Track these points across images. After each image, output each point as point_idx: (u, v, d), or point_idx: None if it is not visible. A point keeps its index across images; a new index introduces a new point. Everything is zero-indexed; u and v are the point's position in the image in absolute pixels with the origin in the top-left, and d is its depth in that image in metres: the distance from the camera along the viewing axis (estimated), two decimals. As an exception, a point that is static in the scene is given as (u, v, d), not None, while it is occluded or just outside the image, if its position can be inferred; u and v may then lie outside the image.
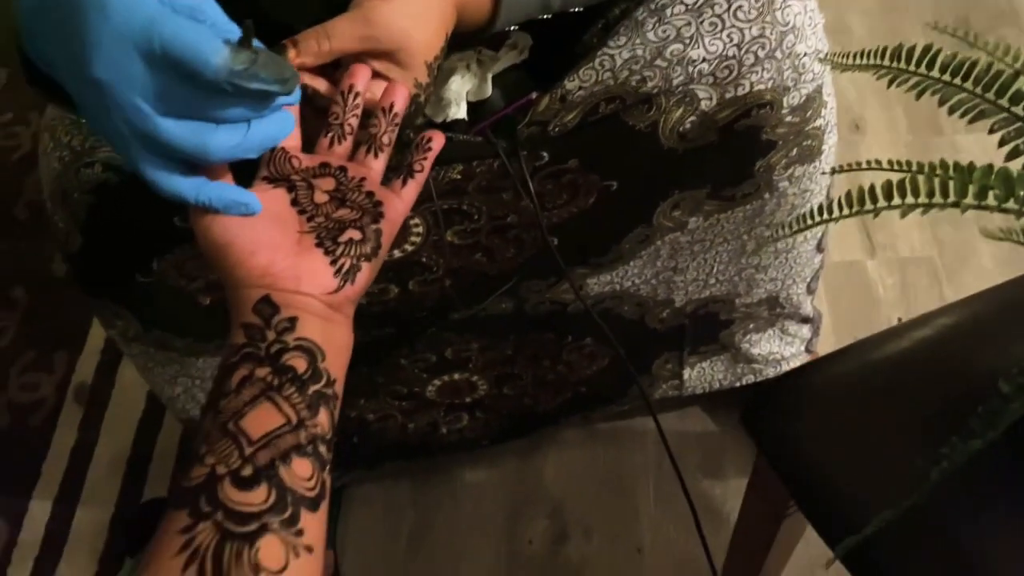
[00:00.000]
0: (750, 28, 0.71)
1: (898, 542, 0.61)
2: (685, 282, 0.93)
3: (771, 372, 1.08)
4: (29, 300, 1.44)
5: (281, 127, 0.46)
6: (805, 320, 1.06)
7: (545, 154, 0.75)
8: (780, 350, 1.07)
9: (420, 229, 0.78)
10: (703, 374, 1.08)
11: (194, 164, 0.46)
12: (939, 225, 1.39)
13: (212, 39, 0.41)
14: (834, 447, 0.67)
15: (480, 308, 0.89)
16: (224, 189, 0.46)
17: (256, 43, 0.43)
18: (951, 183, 0.49)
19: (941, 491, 0.52)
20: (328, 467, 0.41)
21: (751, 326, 1.03)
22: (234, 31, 0.44)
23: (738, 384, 1.09)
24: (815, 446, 0.67)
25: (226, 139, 0.44)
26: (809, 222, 0.54)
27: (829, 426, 0.69)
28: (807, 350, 1.10)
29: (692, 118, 0.74)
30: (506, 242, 0.82)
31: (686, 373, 1.07)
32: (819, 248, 0.97)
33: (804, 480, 0.67)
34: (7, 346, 1.39)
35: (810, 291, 1.02)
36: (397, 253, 0.80)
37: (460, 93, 0.72)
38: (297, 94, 0.47)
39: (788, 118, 0.77)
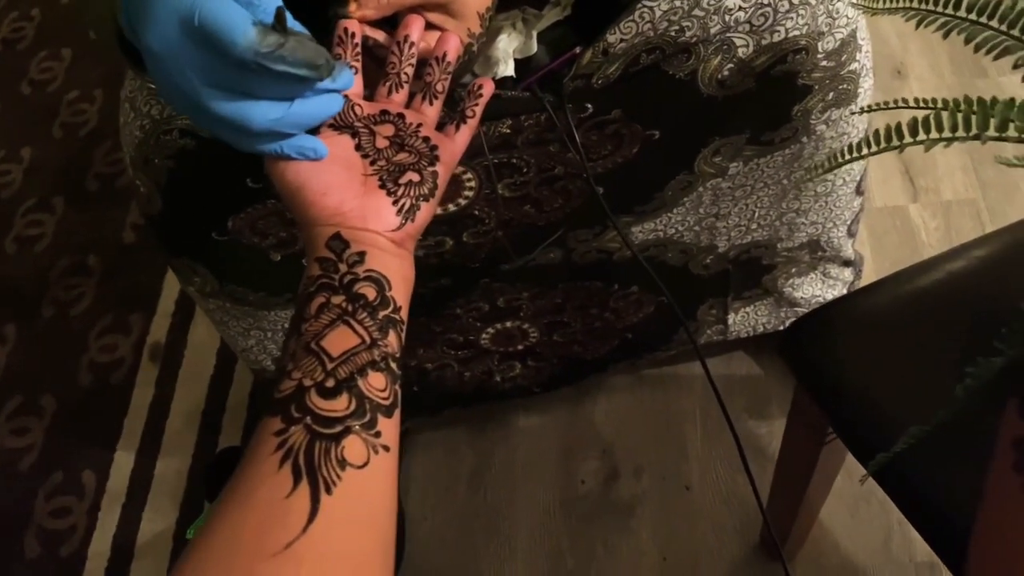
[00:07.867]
0: (784, -24, 0.73)
1: (930, 459, 0.65)
2: (727, 228, 0.96)
3: (814, 315, 1.11)
4: (103, 267, 1.53)
5: (325, 108, 0.50)
6: (847, 263, 1.09)
7: (590, 106, 0.78)
8: (823, 293, 1.10)
9: (473, 183, 0.83)
10: (747, 319, 1.12)
11: None
12: (983, 168, 1.39)
13: (244, 20, 0.44)
14: (868, 372, 0.71)
15: (530, 258, 0.93)
16: (294, 138, 0.50)
17: (297, 27, 0.46)
18: (973, 117, 0.52)
19: (973, 411, 0.55)
20: (398, 381, 0.46)
21: (793, 270, 1.06)
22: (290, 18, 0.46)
23: (781, 328, 1.13)
24: (849, 372, 0.71)
25: (267, 113, 0.47)
26: (839, 160, 0.58)
27: (863, 353, 0.72)
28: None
29: (730, 65, 0.77)
30: (554, 193, 0.86)
31: (730, 318, 1.11)
32: (858, 191, 0.99)
33: (840, 404, 0.70)
34: (86, 310, 1.47)
35: (851, 234, 1.05)
36: (451, 207, 0.84)
37: (507, 51, 0.75)
38: (348, 79, 0.50)
39: (823, 63, 0.79)
